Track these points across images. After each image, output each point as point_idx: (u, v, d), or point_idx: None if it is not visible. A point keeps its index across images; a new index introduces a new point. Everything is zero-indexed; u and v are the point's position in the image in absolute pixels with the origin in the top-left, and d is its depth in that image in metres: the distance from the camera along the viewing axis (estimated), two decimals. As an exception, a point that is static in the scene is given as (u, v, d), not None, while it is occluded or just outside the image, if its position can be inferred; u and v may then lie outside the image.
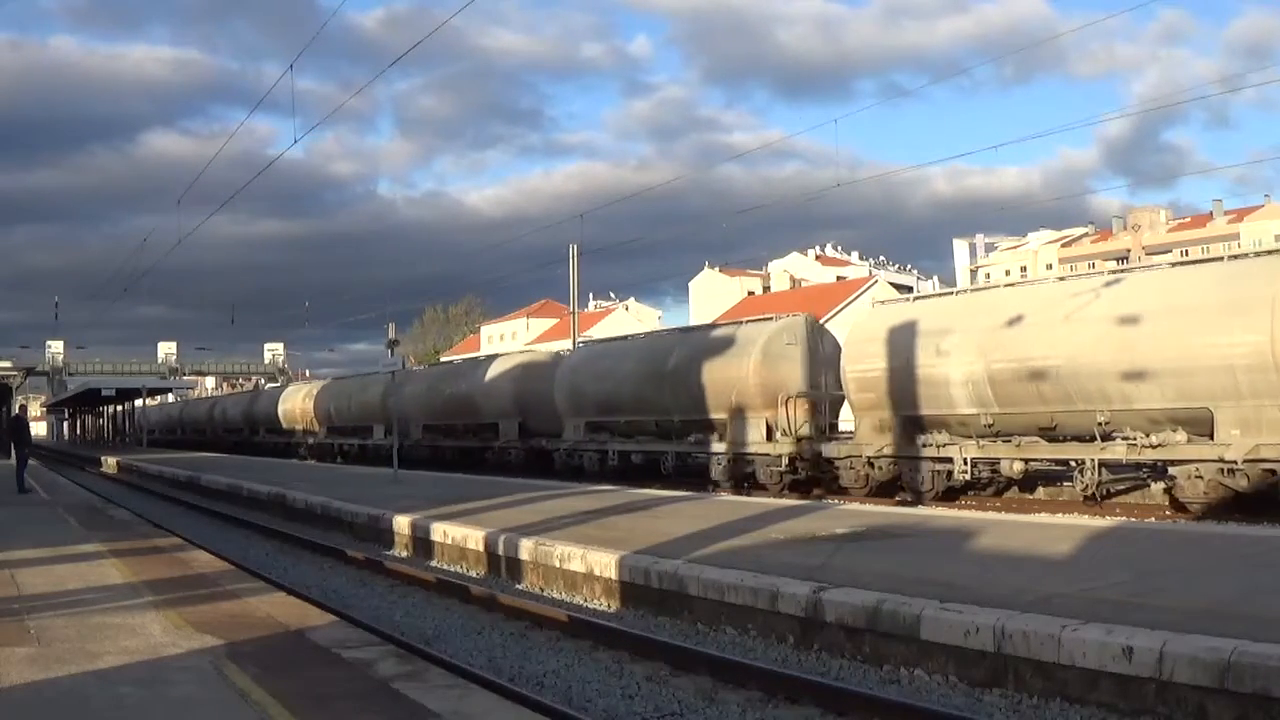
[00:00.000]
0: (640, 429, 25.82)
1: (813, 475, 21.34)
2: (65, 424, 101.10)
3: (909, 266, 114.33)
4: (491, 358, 36.69)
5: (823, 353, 22.66)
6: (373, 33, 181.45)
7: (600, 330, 71.08)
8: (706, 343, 24.46)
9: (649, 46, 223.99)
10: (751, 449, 22.14)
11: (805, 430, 21.51)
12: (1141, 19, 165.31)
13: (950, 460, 18.29)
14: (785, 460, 21.40)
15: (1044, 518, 14.34)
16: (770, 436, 21.94)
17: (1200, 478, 15.02)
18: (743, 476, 22.35)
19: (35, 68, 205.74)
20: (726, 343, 23.58)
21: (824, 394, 22.06)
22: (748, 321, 24.75)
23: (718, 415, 23.09)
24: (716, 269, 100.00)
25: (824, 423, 22.01)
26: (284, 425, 50.44)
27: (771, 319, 23.92)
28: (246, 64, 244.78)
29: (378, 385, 38.72)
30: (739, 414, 22.44)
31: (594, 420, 27.30)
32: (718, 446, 22.99)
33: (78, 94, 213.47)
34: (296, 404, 49.49)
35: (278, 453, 49.11)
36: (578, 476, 25.04)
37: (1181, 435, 15.35)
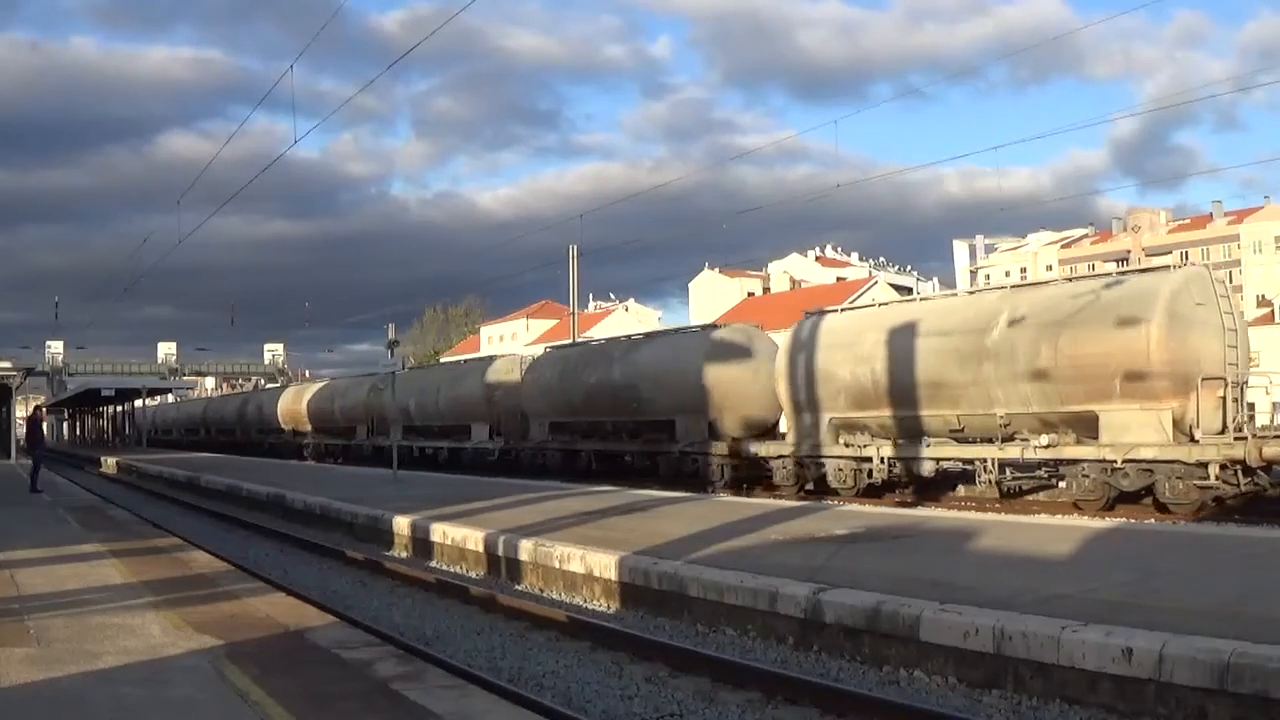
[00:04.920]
0: (926, 427, 19.01)
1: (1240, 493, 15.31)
2: (65, 424, 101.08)
3: (909, 267, 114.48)
4: (661, 333, 29.28)
5: (1235, 317, 16.85)
6: (395, 35, 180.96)
7: (599, 331, 69.92)
8: (1060, 303, 17.17)
9: (671, 48, 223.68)
10: (1149, 454, 15.54)
11: (1233, 426, 15.56)
12: (1159, 21, 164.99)
13: None
14: (1213, 471, 14.94)
15: (1044, 519, 14.37)
16: (1178, 437, 15.63)
17: None
18: (1118, 496, 16.18)
19: (54, 68, 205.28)
20: (1098, 303, 16.65)
21: (1241, 375, 16.36)
22: (1128, 272, 18.58)
23: (1082, 407, 16.48)
24: (716, 270, 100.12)
25: (1241, 416, 15.90)
26: (341, 424, 42.86)
27: (1168, 268, 17.38)
28: (269, 64, 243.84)
29: (474, 375, 32.25)
30: (1123, 405, 15.99)
31: (845, 417, 20.35)
32: (1080, 451, 16.42)
33: (96, 94, 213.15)
34: (359, 399, 40.78)
35: (332, 456, 42.43)
36: (813, 491, 20.55)
37: None
